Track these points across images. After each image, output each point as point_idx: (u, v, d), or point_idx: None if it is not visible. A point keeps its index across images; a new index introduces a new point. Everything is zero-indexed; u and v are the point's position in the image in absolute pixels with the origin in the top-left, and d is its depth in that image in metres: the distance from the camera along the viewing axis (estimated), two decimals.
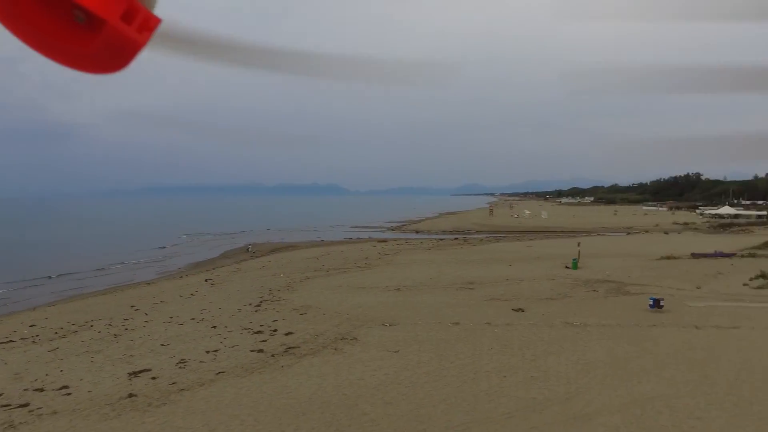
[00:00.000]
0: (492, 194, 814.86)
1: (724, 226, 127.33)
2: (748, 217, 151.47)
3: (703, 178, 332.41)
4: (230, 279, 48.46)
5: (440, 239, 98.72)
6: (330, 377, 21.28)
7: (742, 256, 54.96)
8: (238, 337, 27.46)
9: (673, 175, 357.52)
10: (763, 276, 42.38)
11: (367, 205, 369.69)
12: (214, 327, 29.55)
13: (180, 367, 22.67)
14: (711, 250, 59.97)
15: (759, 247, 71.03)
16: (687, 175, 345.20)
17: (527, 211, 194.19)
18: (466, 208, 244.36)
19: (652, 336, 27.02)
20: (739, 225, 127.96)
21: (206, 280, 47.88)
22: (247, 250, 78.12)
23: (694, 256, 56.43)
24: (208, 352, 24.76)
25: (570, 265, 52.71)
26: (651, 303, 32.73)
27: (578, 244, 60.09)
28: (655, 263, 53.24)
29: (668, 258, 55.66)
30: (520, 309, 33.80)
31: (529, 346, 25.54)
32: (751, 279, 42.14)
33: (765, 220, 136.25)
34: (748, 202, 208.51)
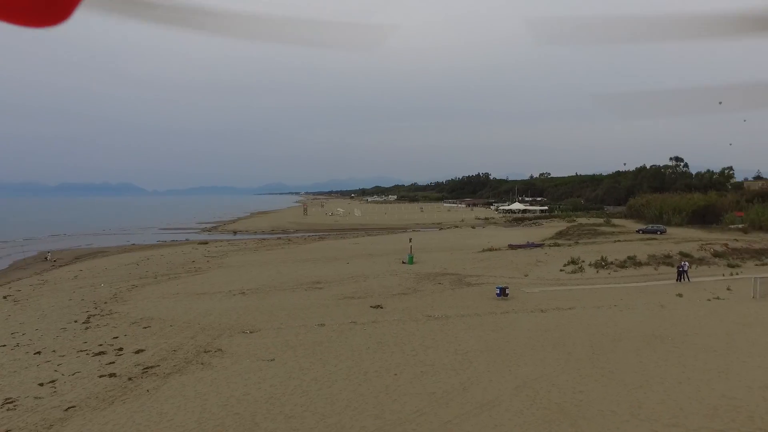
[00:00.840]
0: (297, 193, 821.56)
1: (518, 220, 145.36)
2: (533, 212, 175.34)
3: (491, 177, 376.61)
4: (38, 293, 41.07)
5: (263, 239, 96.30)
6: (211, 396, 19.11)
7: (550, 245, 63.03)
8: (76, 361, 23.25)
9: (467, 174, 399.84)
10: (573, 262, 48.99)
11: (172, 206, 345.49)
12: (39, 353, 24.60)
13: (8, 410, 18.38)
14: (524, 242, 67.67)
15: (557, 237, 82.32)
16: (478, 175, 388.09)
17: (341, 210, 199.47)
18: (276, 208, 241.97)
19: (509, 322, 29.38)
20: (528, 219, 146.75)
21: (5, 297, 39.96)
22: (46, 258, 67.22)
23: (511, 247, 63.12)
24: (42, 384, 20.47)
25: (406, 260, 55.12)
26: (498, 292, 35.65)
27: (410, 240, 63.20)
28: (480, 255, 58.33)
29: (490, 250, 61.43)
30: (378, 306, 34.26)
31: (404, 341, 25.94)
32: (564, 265, 48.45)
33: (548, 214, 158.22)
34: (529, 199, 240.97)
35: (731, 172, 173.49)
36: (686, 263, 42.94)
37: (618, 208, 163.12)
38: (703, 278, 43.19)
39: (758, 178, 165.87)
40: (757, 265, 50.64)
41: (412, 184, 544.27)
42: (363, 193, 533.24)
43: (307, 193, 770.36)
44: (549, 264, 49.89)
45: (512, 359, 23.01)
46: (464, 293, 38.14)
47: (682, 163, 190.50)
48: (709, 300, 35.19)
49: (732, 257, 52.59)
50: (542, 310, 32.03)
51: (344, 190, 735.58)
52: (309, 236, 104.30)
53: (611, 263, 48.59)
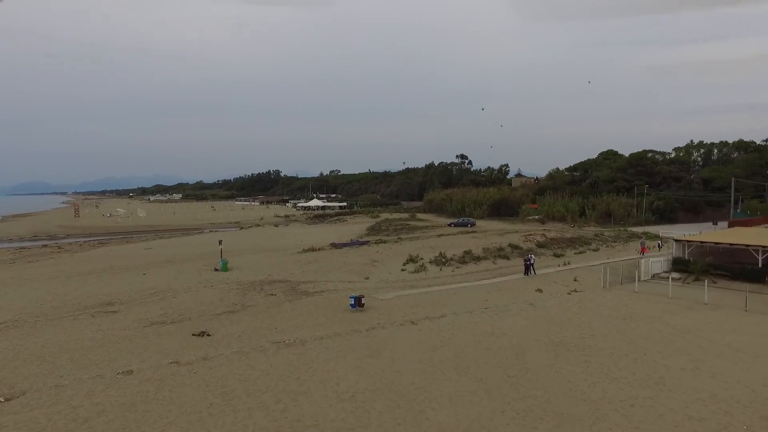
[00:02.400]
0: (63, 193, 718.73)
1: (319, 216, 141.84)
2: (333, 208, 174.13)
3: (282, 174, 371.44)
4: None
5: (22, 248, 76.98)
6: None
7: (376, 243, 59.29)
8: None
9: (256, 172, 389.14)
10: (412, 260, 45.50)
11: None
12: None
13: None
14: (347, 239, 63.04)
15: (371, 233, 79.59)
16: (269, 173, 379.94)
17: (121, 210, 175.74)
18: (37, 210, 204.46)
19: (383, 341, 23.77)
20: (330, 215, 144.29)
21: None
22: None
23: (335, 246, 57.98)
24: None
25: (219, 267, 46.48)
26: (352, 302, 29.86)
27: (220, 243, 54.17)
28: (303, 256, 52.03)
29: (312, 250, 55.50)
30: (203, 332, 26.03)
31: (259, 387, 18.66)
32: (404, 264, 44.68)
33: (348, 210, 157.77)
34: (324, 196, 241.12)
35: (507, 168, 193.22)
36: (532, 256, 42.14)
37: (414, 203, 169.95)
38: (541, 270, 42.79)
39: (519, 175, 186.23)
40: (575, 253, 52.96)
41: (197, 183, 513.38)
42: (143, 192, 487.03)
43: (76, 193, 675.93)
44: (386, 263, 45.70)
45: (418, 399, 17.35)
46: (307, 306, 31.54)
47: (467, 161, 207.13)
48: (569, 294, 33.94)
49: (554, 247, 54.40)
50: (413, 322, 27.05)
51: (121, 189, 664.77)
52: (86, 242, 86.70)
53: (451, 259, 46.21)
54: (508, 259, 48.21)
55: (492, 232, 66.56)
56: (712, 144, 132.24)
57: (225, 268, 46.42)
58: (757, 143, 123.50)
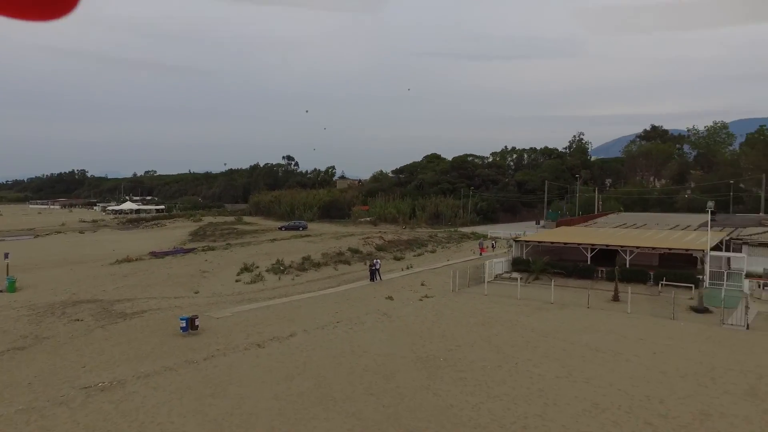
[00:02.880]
0: None
1: (134, 221, 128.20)
2: (149, 211, 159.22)
3: (89, 175, 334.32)
4: None
5: None
6: None
7: (204, 250, 53.35)
8: None
9: (57, 172, 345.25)
10: (247, 269, 41.13)
11: None
12: None
13: None
14: (169, 247, 56.06)
15: (195, 239, 72.59)
16: (72, 173, 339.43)
17: None
18: None
19: (226, 374, 19.75)
20: (146, 220, 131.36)
21: None
22: None
23: (155, 255, 51.02)
24: None
25: (3, 287, 37.69)
26: (184, 324, 25.01)
27: (5, 256, 44.27)
28: (117, 269, 44.63)
29: (128, 261, 48.07)
30: None
31: None
32: (238, 274, 40.15)
33: (166, 214, 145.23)
34: (138, 198, 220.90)
35: (334, 170, 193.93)
36: (378, 261, 40.25)
37: (239, 206, 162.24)
38: (385, 274, 41.21)
39: (343, 177, 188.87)
40: (414, 255, 52.65)
41: None
42: None
43: None
44: (218, 274, 40.72)
45: None
46: (126, 331, 25.93)
47: (293, 162, 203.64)
48: (421, 300, 32.51)
49: (393, 249, 53.59)
50: (259, 345, 23.24)
51: None
52: None
53: (289, 267, 42.69)
54: (349, 264, 46.02)
55: (327, 235, 64.21)
56: (523, 150, 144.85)
57: (12, 287, 37.73)
58: (560, 150, 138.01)
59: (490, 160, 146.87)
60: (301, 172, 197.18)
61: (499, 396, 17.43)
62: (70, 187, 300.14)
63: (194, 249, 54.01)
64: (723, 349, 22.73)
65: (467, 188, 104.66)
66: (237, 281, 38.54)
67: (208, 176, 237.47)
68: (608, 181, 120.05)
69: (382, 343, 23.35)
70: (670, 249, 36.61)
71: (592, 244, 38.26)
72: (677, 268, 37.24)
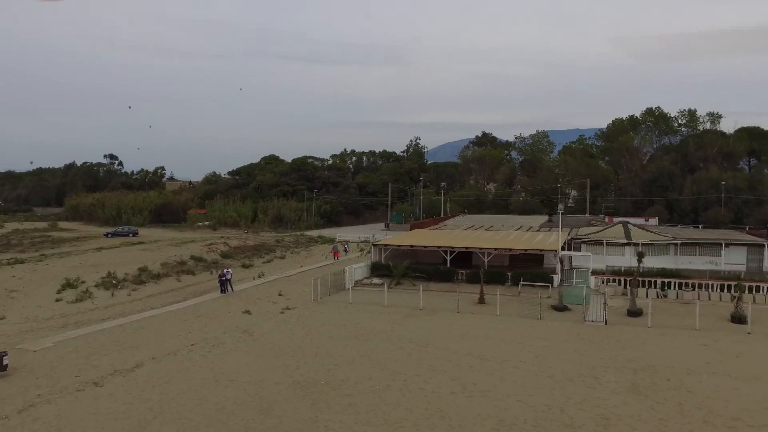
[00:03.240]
0: None
1: None
2: None
3: None
4: None
5: None
6: None
7: (11, 263, 44.34)
8: None
9: None
10: (70, 285, 34.83)
11: None
12: None
13: None
14: None
15: None
16: None
17: None
18: None
19: (55, 427, 15.44)
20: None
21: None
22: None
23: None
24: None
25: None
26: None
27: None
28: None
29: None
30: None
31: None
32: (59, 291, 33.74)
33: None
34: None
35: (164, 171, 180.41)
36: (229, 270, 36.25)
37: (53, 209, 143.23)
38: (236, 285, 37.52)
39: (172, 179, 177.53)
40: (264, 262, 49.26)
41: None
42: None
43: None
44: (32, 293, 33.84)
45: None
46: None
47: (116, 162, 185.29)
48: (282, 312, 29.66)
49: (240, 256, 49.68)
50: (96, 383, 18.82)
51: None
52: None
53: (124, 280, 37.09)
54: (194, 274, 41.41)
55: (164, 242, 57.95)
56: (362, 153, 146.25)
57: None
58: (398, 153, 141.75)
59: (330, 162, 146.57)
60: (126, 172, 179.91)
61: (398, 422, 15.52)
62: None
63: None
64: (593, 346, 23.25)
65: (308, 191, 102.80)
66: (58, 300, 32.28)
67: (10, 176, 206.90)
68: (443, 184, 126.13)
69: (250, 368, 20.28)
70: (525, 250, 37.91)
71: (452, 247, 38.32)
72: (525, 267, 38.73)
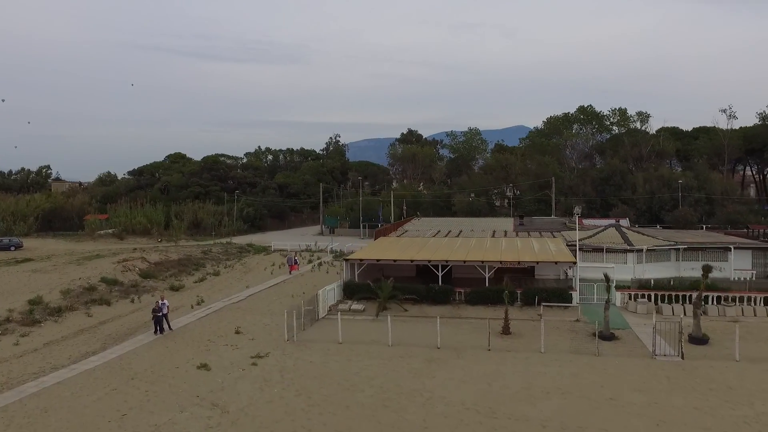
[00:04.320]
0: None
1: None
2: None
3: None
4: None
5: None
6: None
7: None
8: None
9: None
10: None
11: None
12: None
13: None
14: None
15: None
16: None
17: None
18: None
19: None
20: None
21: None
22: None
23: None
24: None
25: None
26: None
27: None
28: None
29: None
30: None
31: None
32: None
33: None
34: None
35: (50, 171, 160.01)
36: (166, 303, 26.58)
37: None
38: (172, 317, 28.12)
39: (59, 179, 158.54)
40: (195, 281, 39.60)
41: None
42: None
43: None
44: None
45: None
46: None
47: None
48: (254, 364, 21.03)
49: (165, 275, 39.72)
50: None
51: None
52: None
53: (8, 320, 26.54)
54: (109, 304, 31.30)
55: (60, 257, 46.24)
56: (279, 150, 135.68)
57: None
58: (317, 152, 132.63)
59: (245, 161, 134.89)
60: (2, 172, 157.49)
61: None
62: None
63: None
64: (709, 399, 16.99)
65: (222, 192, 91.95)
66: None
67: None
68: (366, 183, 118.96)
69: None
70: (538, 262, 31.42)
71: (445, 260, 31.12)
72: (515, 281, 32.55)
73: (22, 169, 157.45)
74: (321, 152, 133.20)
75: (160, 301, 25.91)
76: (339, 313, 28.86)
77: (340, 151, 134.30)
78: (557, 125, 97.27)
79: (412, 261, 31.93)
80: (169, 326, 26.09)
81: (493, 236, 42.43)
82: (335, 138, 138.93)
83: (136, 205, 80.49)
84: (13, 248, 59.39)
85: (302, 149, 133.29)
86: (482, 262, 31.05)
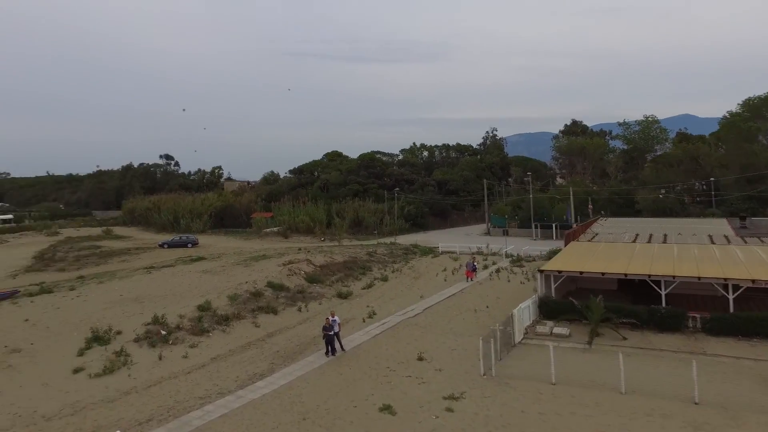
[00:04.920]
0: None
1: None
2: None
3: None
4: None
5: None
6: None
7: (33, 292, 33.09)
8: None
9: None
10: (98, 339, 22.83)
11: None
12: None
13: None
14: None
15: (39, 264, 50.85)
16: None
17: None
18: None
19: None
20: None
21: None
22: None
23: None
24: None
25: None
26: None
27: None
28: None
29: None
30: None
31: None
32: (81, 351, 21.80)
33: (14, 226, 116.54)
34: None
35: (221, 171, 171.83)
36: (337, 319, 23.26)
37: (110, 213, 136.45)
38: (344, 332, 24.74)
39: (230, 179, 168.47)
40: (363, 288, 36.51)
41: None
42: None
43: None
44: (41, 355, 22.00)
45: None
46: None
47: (173, 162, 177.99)
48: (448, 409, 16.56)
49: (330, 280, 37.16)
50: None
51: None
52: None
53: (178, 327, 24.96)
54: (275, 313, 28.95)
55: (229, 256, 46.19)
56: (434, 146, 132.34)
57: None
58: (474, 147, 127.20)
59: (400, 157, 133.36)
60: (183, 173, 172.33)
61: None
62: None
63: (17, 291, 33.75)
64: None
65: (379, 189, 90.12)
66: (77, 371, 20.29)
67: (72, 179, 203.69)
68: (527, 179, 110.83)
69: None
70: None
71: (672, 275, 24.25)
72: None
73: (199, 170, 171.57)
74: (478, 147, 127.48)
75: (330, 318, 22.53)
76: (539, 338, 23.57)
77: (498, 145, 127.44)
78: (759, 108, 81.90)
79: (626, 275, 25.46)
80: (342, 346, 22.66)
81: (711, 242, 34.13)
82: (492, 132, 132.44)
83: (298, 203, 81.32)
84: (190, 245, 61.96)
85: (458, 144, 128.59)
86: (724, 279, 23.77)
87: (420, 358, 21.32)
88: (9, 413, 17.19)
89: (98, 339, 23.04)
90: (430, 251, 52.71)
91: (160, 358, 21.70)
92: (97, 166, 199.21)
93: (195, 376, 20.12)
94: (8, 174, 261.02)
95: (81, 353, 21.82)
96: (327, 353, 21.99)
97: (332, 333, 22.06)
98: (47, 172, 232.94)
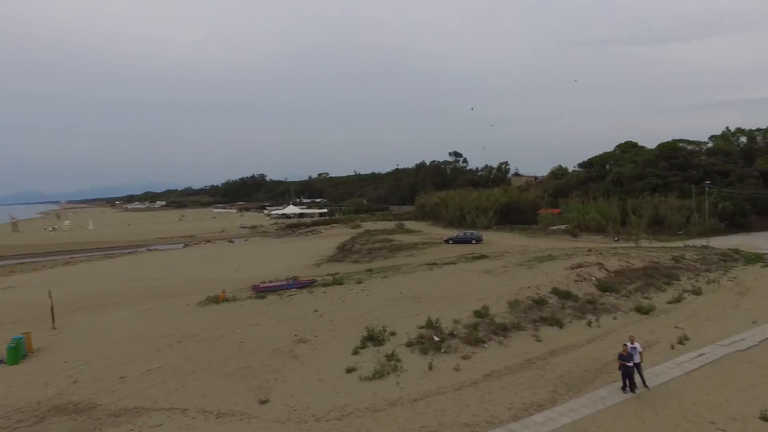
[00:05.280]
0: (56, 202, 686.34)
1: (293, 226, 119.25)
2: (311, 215, 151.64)
3: (268, 179, 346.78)
4: None
5: None
6: None
7: (325, 284, 35.84)
8: None
9: (244, 175, 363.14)
10: (372, 338, 22.42)
11: None
12: None
13: None
14: (285, 277, 39.81)
15: (339, 254, 56.29)
16: (253, 176, 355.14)
17: (66, 223, 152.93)
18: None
19: None
20: (305, 224, 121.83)
21: None
22: None
23: (256, 290, 34.95)
24: None
25: (2, 355, 23.79)
26: None
27: (49, 294, 30.96)
28: (191, 318, 28.88)
29: (218, 301, 32.39)
30: None
31: None
32: (357, 349, 21.56)
33: (326, 219, 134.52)
34: (308, 200, 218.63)
35: (507, 166, 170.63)
36: (637, 346, 18.88)
37: (405, 208, 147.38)
38: (646, 362, 19.77)
39: (517, 174, 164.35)
40: (669, 302, 30.05)
41: (186, 188, 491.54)
42: (130, 199, 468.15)
43: (69, 202, 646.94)
44: (322, 349, 22.55)
45: None
46: None
47: (461, 159, 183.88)
48: None
49: (627, 288, 31.63)
50: None
51: (111, 196, 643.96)
52: None
53: (451, 334, 23.25)
54: (560, 326, 25.18)
55: (511, 255, 43.70)
56: (756, 131, 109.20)
57: (13, 358, 23.50)
58: None
59: (710, 145, 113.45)
60: (470, 169, 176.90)
61: None
62: (251, 191, 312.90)
63: (314, 281, 36.81)
64: None
65: (683, 182, 76.75)
66: (349, 372, 19.92)
67: (374, 177, 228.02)
68: None
69: None
70: None
71: None
72: None
73: (486, 165, 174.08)
74: None
75: (629, 345, 17.96)
76: None
77: None
78: None
79: None
80: (644, 381, 17.91)
81: None
82: None
83: (588, 199, 74.62)
84: (473, 242, 61.47)
85: None
86: None
87: (766, 418, 15.43)
88: (287, 405, 17.36)
89: (372, 338, 22.64)
90: (759, 258, 41.95)
91: (430, 368, 20.10)
92: (397, 165, 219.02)
93: (464, 395, 17.87)
94: (327, 174, 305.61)
95: (356, 351, 21.59)
96: (624, 388, 17.55)
97: (631, 364, 17.52)
98: (355, 172, 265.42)
